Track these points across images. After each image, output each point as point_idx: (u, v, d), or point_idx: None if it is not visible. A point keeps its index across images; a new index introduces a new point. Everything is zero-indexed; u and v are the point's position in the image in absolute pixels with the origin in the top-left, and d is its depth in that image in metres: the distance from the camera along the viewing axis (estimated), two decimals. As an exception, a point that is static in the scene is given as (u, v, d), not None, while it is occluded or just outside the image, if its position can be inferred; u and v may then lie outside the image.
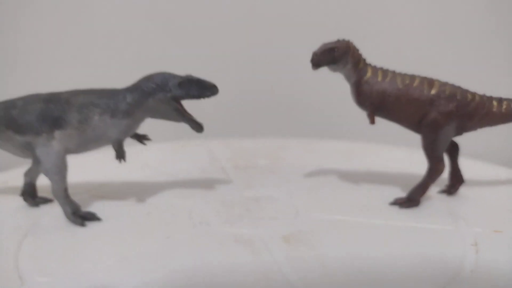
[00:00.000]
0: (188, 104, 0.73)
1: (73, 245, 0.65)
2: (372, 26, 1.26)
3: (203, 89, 0.70)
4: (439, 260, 0.62)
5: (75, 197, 0.77)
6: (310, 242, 0.65)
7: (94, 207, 0.75)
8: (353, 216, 0.73)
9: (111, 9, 1.25)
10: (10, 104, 0.68)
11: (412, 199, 0.76)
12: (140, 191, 0.82)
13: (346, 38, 0.74)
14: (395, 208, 0.76)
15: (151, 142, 1.12)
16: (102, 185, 0.86)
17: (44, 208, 0.75)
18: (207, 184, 0.86)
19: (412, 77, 0.74)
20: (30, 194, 0.76)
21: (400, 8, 1.27)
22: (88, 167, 0.95)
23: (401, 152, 1.05)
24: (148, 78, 0.70)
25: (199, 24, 1.28)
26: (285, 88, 1.34)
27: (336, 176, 0.91)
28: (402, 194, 0.80)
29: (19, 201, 0.76)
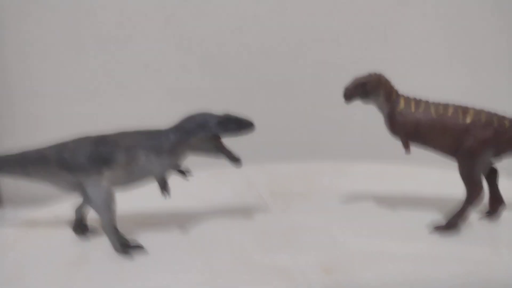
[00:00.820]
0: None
1: (121, 277, 0.67)
2: (385, 43, 1.25)
3: (240, 126, 0.73)
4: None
5: (122, 227, 0.80)
6: (349, 272, 0.65)
7: (140, 238, 0.77)
8: (392, 244, 0.73)
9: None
10: (61, 148, 0.72)
11: (452, 225, 0.74)
12: (183, 220, 0.84)
13: (378, 71, 0.75)
14: (436, 235, 0.75)
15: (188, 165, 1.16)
16: (148, 216, 0.88)
17: (94, 241, 0.78)
18: (245, 212, 0.88)
19: (446, 106, 0.74)
20: (81, 229, 0.79)
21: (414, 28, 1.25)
22: (135, 199, 0.98)
23: (436, 173, 1.04)
24: (189, 119, 0.73)
25: (229, 47, 1.29)
26: (317, 108, 1.34)
27: (371, 201, 0.91)
28: (440, 217, 0.79)
29: (70, 234, 0.79)
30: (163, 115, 0.77)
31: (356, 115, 1.28)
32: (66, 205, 0.85)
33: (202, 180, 1.09)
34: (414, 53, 1.26)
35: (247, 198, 0.95)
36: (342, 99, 0.75)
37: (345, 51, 1.26)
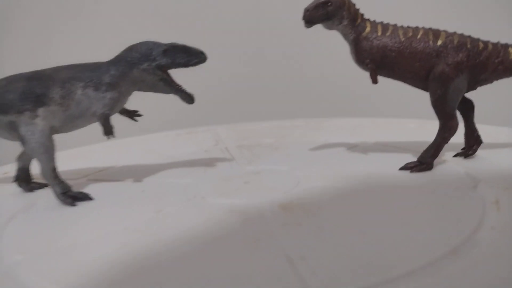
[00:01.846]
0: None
1: (59, 224, 0.59)
2: None
3: (189, 56, 0.64)
4: (458, 218, 0.53)
5: (71, 182, 0.72)
6: (309, 209, 0.57)
7: (88, 189, 0.69)
8: (359, 184, 0.65)
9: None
10: None
11: (423, 162, 0.67)
12: (138, 173, 0.76)
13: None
14: (406, 174, 0.67)
15: (158, 130, 1.08)
16: (101, 170, 0.80)
17: (38, 192, 0.70)
18: (207, 163, 0.79)
19: (416, 29, 0.66)
20: (24, 179, 0.71)
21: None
22: (89, 155, 0.90)
23: (412, 124, 0.96)
24: (131, 48, 0.65)
25: (203, 11, 1.22)
26: (291, 69, 1.27)
27: (343, 149, 0.83)
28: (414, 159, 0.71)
29: (14, 188, 0.71)
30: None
31: (332, 71, 1.21)
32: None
33: (169, 139, 1.01)
34: None
35: (212, 152, 0.87)
36: (304, 25, 0.66)
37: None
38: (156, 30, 1.18)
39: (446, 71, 0.63)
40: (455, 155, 0.72)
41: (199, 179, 0.70)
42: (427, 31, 0.65)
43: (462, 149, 0.72)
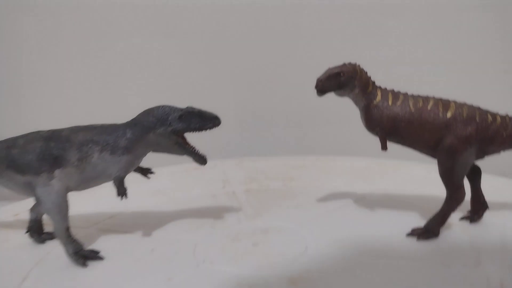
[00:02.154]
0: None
1: (72, 286, 0.60)
2: (375, 47, 1.18)
3: (204, 121, 0.65)
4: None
5: (81, 231, 0.73)
6: (317, 285, 0.58)
7: (99, 242, 0.71)
8: (366, 252, 0.66)
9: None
10: (11, 143, 0.65)
11: (430, 230, 0.68)
12: (148, 223, 0.77)
13: (353, 61, 0.67)
14: (413, 241, 0.68)
15: (164, 166, 1.08)
16: (111, 217, 0.81)
17: (49, 245, 0.71)
18: (216, 214, 0.80)
19: (426, 99, 0.66)
20: (36, 231, 0.72)
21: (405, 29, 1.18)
22: (98, 194, 0.91)
23: (420, 170, 0.97)
24: (148, 112, 0.66)
25: (207, 43, 1.23)
26: (298, 104, 1.28)
27: (350, 201, 0.84)
28: (421, 220, 0.72)
29: (26, 238, 0.73)
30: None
31: (339, 109, 1.21)
32: (29, 202, 0.78)
33: (176, 176, 1.02)
34: (407, 52, 1.19)
35: (220, 199, 0.88)
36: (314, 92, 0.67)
37: (336, 49, 1.19)
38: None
39: (454, 144, 0.64)
40: (461, 218, 0.73)
41: (207, 237, 0.71)
42: (437, 101, 0.66)
43: (468, 212, 0.73)
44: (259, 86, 1.26)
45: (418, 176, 0.94)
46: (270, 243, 0.68)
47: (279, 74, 1.24)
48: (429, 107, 0.65)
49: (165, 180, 0.98)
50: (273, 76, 1.25)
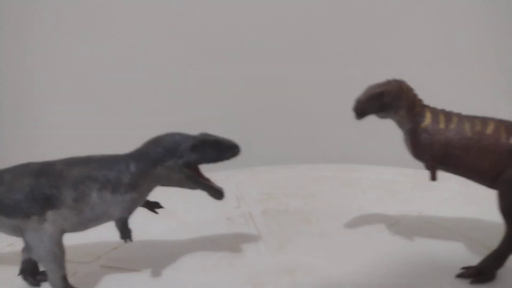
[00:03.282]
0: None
1: None
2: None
3: (221, 151, 0.55)
4: None
5: (83, 268, 0.64)
6: None
7: (101, 283, 0.61)
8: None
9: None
10: None
11: (485, 273, 0.58)
12: (156, 258, 0.68)
13: (398, 77, 0.57)
14: (463, 284, 0.58)
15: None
16: (115, 248, 0.71)
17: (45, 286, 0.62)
18: (233, 243, 0.71)
19: (484, 121, 0.56)
20: (30, 273, 0.62)
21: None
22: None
23: (454, 184, 0.86)
24: (155, 142, 0.55)
25: (214, 45, 1.13)
26: (314, 108, 1.18)
27: (382, 227, 0.74)
28: (468, 254, 0.62)
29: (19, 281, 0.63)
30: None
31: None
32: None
33: (184, 193, 0.92)
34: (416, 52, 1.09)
35: (235, 224, 0.78)
36: (353, 115, 0.57)
37: (346, 54, 1.09)
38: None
39: (520, 176, 0.54)
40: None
41: (225, 279, 0.62)
42: (498, 124, 0.56)
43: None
44: (272, 87, 1.16)
45: (453, 191, 0.85)
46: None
47: (294, 74, 1.14)
48: (489, 131, 0.55)
49: (174, 198, 0.88)
50: (287, 76, 1.15)
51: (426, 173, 0.95)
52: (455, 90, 1.05)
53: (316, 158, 1.14)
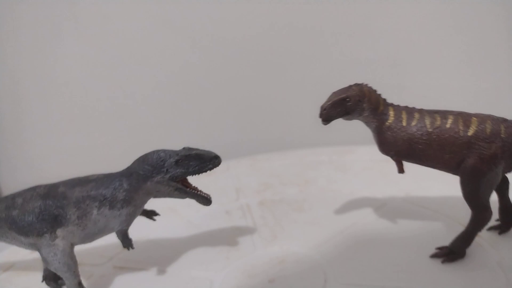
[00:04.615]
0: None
1: None
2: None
3: (203, 162, 0.62)
4: None
5: (97, 270, 0.73)
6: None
7: (114, 284, 0.70)
8: (387, 279, 0.63)
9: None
10: (10, 203, 0.63)
11: (455, 252, 0.64)
12: (162, 256, 0.75)
13: (359, 81, 0.61)
14: (437, 264, 0.64)
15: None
16: (125, 250, 0.80)
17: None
18: (230, 237, 0.78)
19: (444, 115, 0.60)
20: (52, 278, 0.72)
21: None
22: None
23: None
24: (142, 160, 0.62)
25: (212, 41, 1.17)
26: (309, 93, 1.22)
27: (370, 211, 0.80)
28: (447, 233, 0.68)
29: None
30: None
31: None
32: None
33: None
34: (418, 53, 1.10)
35: (233, 217, 0.85)
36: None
37: (341, 49, 1.12)
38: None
39: (478, 166, 0.58)
40: (489, 229, 0.69)
41: (222, 272, 0.69)
42: (457, 117, 0.60)
43: (496, 220, 0.69)
44: (268, 76, 1.21)
45: (438, 174, 0.89)
46: (286, 278, 0.66)
47: (288, 63, 1.18)
48: (448, 125, 0.59)
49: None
50: (282, 65, 1.19)
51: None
52: (455, 90, 1.07)
53: (316, 141, 1.18)
